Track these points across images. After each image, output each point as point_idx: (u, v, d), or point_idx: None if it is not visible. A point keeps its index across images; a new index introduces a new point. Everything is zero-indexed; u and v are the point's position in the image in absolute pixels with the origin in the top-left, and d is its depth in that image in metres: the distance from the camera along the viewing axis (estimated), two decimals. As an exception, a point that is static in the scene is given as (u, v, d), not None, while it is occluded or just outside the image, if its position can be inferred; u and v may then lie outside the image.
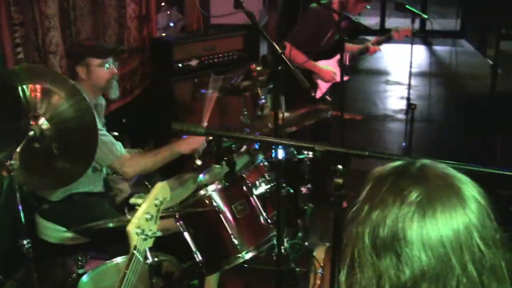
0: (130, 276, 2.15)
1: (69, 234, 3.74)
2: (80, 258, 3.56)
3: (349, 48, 5.58)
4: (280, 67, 2.66)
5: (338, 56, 5.32)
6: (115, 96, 3.90)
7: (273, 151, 3.61)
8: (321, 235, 4.77)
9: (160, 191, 2.39)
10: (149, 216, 2.29)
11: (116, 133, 4.33)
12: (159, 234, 2.35)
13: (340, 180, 1.90)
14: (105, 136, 3.62)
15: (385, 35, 5.76)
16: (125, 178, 3.87)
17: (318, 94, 5.39)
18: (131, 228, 2.21)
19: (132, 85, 6.14)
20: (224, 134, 2.64)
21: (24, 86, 2.84)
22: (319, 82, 5.39)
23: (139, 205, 2.34)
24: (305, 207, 4.10)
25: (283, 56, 2.63)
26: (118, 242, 3.50)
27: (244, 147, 3.80)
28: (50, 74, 2.97)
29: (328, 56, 5.37)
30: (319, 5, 4.97)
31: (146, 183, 3.56)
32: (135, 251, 2.21)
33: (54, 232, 3.78)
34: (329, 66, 5.34)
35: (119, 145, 3.75)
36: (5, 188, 4.07)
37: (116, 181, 4.09)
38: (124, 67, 5.87)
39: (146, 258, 2.39)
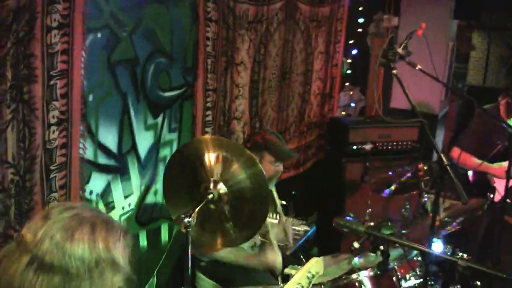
0: None
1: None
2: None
3: None
4: (442, 178, 2.78)
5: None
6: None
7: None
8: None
9: (314, 265, 2.53)
10: (300, 287, 2.44)
11: (284, 202, 4.59)
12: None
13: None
14: None
15: None
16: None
17: (497, 197, 5.10)
18: (282, 297, 2.37)
19: (305, 157, 6.43)
20: (382, 237, 2.81)
21: (210, 154, 3.16)
22: (497, 184, 5.22)
23: (292, 275, 2.50)
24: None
25: (448, 169, 2.75)
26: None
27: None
28: (232, 146, 3.28)
29: (503, 159, 5.21)
30: (483, 109, 4.79)
31: (301, 256, 3.77)
32: (285, 319, 2.35)
33: (210, 286, 4.04)
34: (503, 163, 5.06)
35: None
36: (173, 237, 4.43)
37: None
38: (301, 139, 6.18)
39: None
